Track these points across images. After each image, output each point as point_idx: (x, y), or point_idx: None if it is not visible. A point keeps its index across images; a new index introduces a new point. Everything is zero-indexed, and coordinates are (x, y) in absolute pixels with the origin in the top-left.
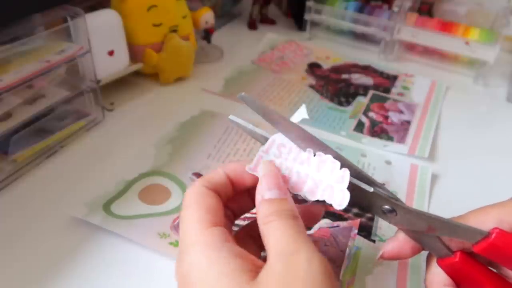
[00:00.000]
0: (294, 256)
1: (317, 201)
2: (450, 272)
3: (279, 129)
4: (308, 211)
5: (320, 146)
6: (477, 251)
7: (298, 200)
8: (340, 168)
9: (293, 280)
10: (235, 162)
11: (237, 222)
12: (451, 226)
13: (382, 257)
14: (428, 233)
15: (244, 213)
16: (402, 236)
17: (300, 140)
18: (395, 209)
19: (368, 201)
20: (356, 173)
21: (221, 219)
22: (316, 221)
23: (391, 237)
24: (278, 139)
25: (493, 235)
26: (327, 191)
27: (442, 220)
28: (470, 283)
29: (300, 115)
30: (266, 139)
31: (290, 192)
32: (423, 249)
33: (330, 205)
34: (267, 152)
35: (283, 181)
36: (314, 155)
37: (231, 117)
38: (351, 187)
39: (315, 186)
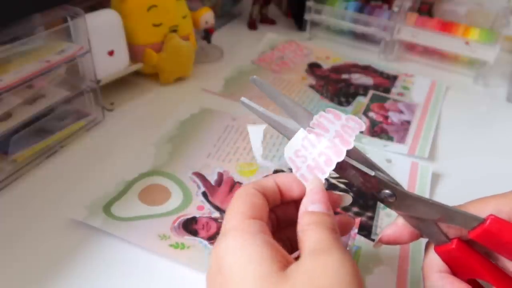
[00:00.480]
0: (326, 256)
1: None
2: (447, 259)
3: (287, 112)
4: (341, 223)
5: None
6: (473, 237)
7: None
8: (325, 111)
9: (322, 277)
10: (286, 173)
11: None
12: (449, 212)
13: (380, 240)
14: (427, 218)
15: (287, 222)
16: (401, 221)
17: (306, 120)
18: (394, 193)
19: (369, 185)
20: (359, 157)
21: (263, 217)
22: (347, 232)
23: (391, 222)
24: (289, 151)
25: (488, 221)
26: (347, 129)
27: (440, 206)
28: (466, 270)
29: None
30: (277, 122)
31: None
32: (421, 236)
33: (362, 132)
34: (298, 155)
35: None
36: (314, 129)
37: (243, 99)
38: (353, 171)
39: (342, 136)
